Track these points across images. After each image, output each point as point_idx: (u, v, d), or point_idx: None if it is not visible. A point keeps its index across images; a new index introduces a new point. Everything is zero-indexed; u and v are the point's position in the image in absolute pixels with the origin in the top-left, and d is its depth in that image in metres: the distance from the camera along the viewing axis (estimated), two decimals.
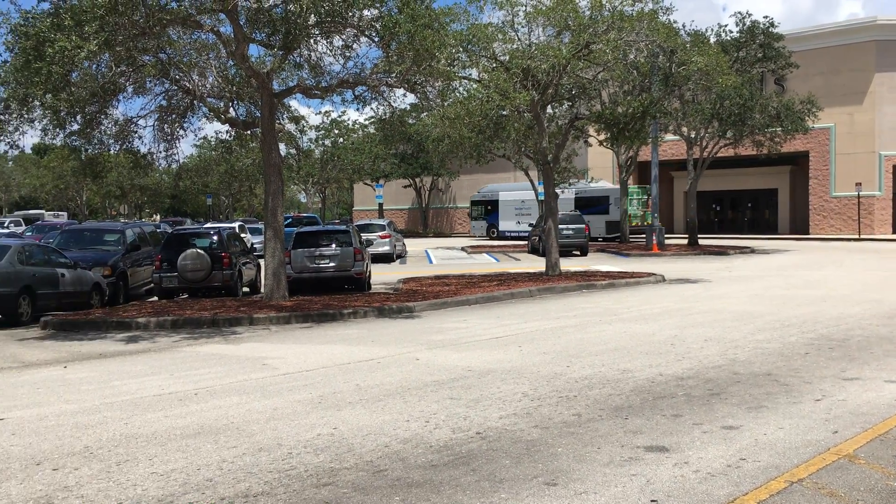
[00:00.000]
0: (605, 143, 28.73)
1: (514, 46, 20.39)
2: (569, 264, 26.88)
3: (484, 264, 30.51)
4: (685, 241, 39.07)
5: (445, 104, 17.75)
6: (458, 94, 18.75)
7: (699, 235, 39.36)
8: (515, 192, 46.24)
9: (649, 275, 21.94)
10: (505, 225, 48.35)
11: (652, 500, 5.03)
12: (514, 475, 5.54)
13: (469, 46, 18.60)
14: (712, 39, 32.30)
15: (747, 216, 53.67)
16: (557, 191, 49.78)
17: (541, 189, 38.39)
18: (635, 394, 7.97)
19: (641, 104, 20.61)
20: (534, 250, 35.34)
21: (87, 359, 11.37)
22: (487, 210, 48.55)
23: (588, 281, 20.48)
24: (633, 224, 44.70)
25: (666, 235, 37.55)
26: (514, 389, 8.27)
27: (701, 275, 23.10)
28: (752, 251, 33.89)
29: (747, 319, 13.32)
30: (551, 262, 22.05)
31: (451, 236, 60.38)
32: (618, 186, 43.96)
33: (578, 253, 34.17)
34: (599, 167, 51.71)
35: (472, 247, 41.35)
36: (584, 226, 34.61)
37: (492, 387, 8.43)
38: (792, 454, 5.95)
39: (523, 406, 7.55)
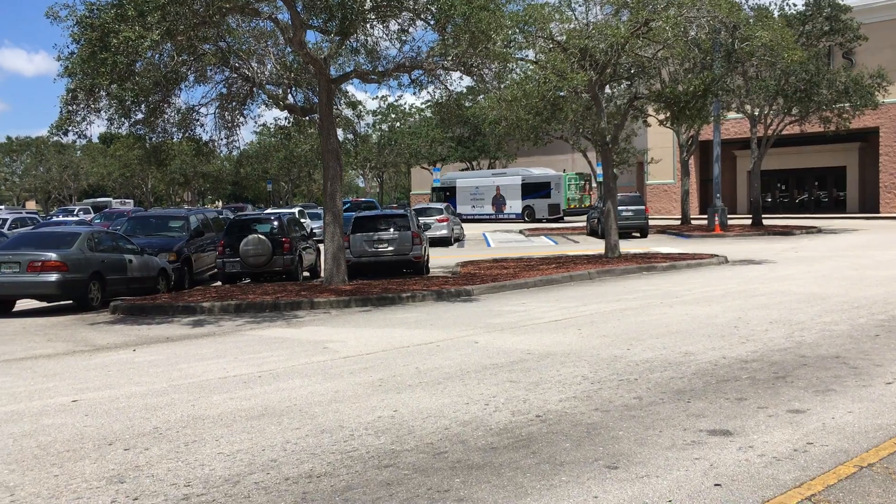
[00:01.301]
0: (664, 123, 28.24)
1: (572, 26, 20.12)
2: (628, 246, 26.56)
3: (542, 247, 30.35)
4: (749, 222, 38.23)
5: (502, 86, 17.66)
6: (514, 76, 18.64)
7: (763, 215, 38.48)
8: (471, 179, 49.65)
9: (711, 256, 21.54)
10: (461, 209, 50.79)
11: (716, 484, 4.96)
12: (574, 458, 5.52)
13: (525, 27, 18.41)
14: (776, 13, 31.36)
15: (814, 195, 52.21)
16: (507, 178, 50.60)
17: (599, 171, 37.98)
18: (697, 377, 7.85)
19: (703, 82, 20.17)
20: (593, 232, 35.02)
21: (154, 342, 11.68)
22: (447, 195, 50.86)
23: (648, 263, 20.22)
24: (572, 206, 49.31)
25: (728, 216, 36.81)
26: (574, 372, 8.23)
27: (765, 256, 22.58)
28: (819, 231, 32.98)
29: (814, 301, 12.98)
30: (610, 244, 21.81)
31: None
32: (560, 173, 49.83)
33: (638, 235, 33.72)
34: (659, 147, 50.86)
35: (529, 230, 41.17)
36: (644, 207, 34.13)
37: (551, 370, 8.40)
38: (861, 438, 5.79)
39: (583, 389, 7.50)
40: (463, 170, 62.62)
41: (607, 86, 21.91)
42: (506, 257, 23.97)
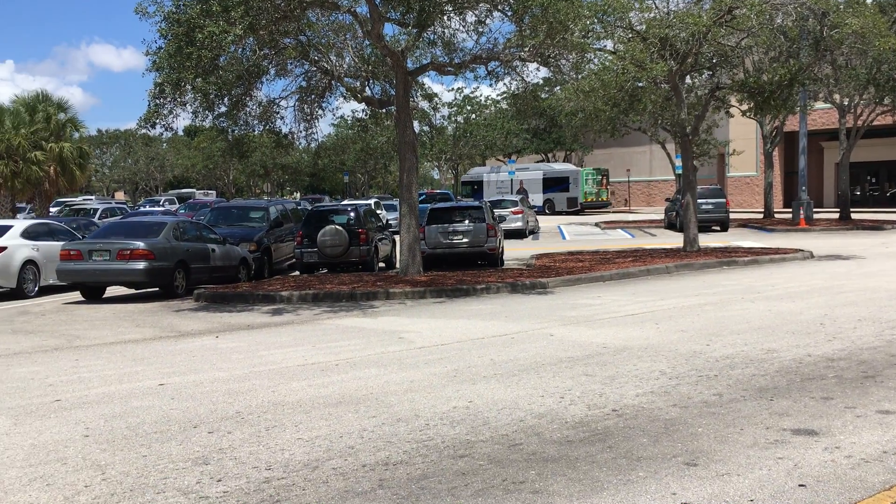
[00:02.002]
0: (748, 114, 27.42)
1: (651, 15, 19.75)
2: (708, 240, 25.97)
3: (618, 240, 29.95)
4: (836, 216, 36.90)
5: (579, 77, 17.47)
6: (592, 67, 18.41)
7: (851, 209, 37.09)
8: (494, 174, 53.13)
9: (796, 251, 20.89)
10: None
11: (800, 485, 4.82)
12: (652, 454, 5.44)
13: (604, 17, 18.14)
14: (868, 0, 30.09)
15: None
16: (529, 173, 52.36)
17: (678, 162, 37.24)
18: (781, 374, 7.63)
19: (789, 71, 19.53)
20: (670, 226, 34.35)
21: (236, 329, 12.00)
22: (474, 189, 53.84)
23: (729, 257, 19.74)
24: (589, 200, 51.37)
25: (814, 210, 35.62)
26: (651, 367, 8.10)
27: (853, 251, 21.77)
28: None
29: None
30: (689, 237, 21.38)
31: (584, 212, 59.53)
32: (578, 168, 52.66)
33: (718, 228, 32.94)
34: (742, 139, 49.49)
35: (605, 222, 40.68)
36: (724, 200, 33.31)
37: (628, 364, 8.29)
38: None
39: (661, 384, 7.38)
40: (538, 161, 62.31)
41: (688, 76, 21.42)
42: (581, 250, 23.75)
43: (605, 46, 19.71)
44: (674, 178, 46.74)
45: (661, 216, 39.34)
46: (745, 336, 9.68)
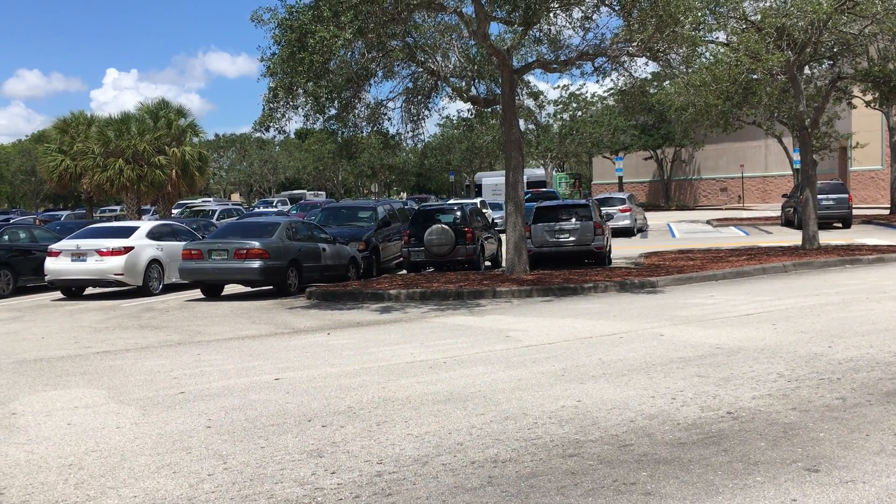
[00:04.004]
0: (872, 105, 26.08)
1: (767, 4, 19.00)
2: (829, 237, 24.80)
3: (731, 238, 29.00)
4: None
5: (690, 71, 17.01)
6: (703, 60, 17.89)
7: None
8: (493, 178, 57.01)
9: None
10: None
11: None
12: (769, 458, 5.26)
13: (716, 8, 17.60)
14: None
15: None
16: (498, 178, 55.79)
17: (796, 157, 35.73)
18: None
19: None
20: (787, 223, 32.98)
21: (346, 327, 12.29)
22: (476, 191, 58.42)
23: (852, 255, 18.79)
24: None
25: None
26: (768, 369, 7.82)
27: None
28: None
29: None
30: (808, 234, 20.48)
31: (695, 209, 57.91)
32: (553, 172, 58.92)
33: (840, 225, 31.37)
34: (865, 131, 46.97)
35: (718, 220, 39.44)
36: (846, 195, 31.70)
37: (743, 365, 8.03)
38: None
39: (779, 387, 7.12)
40: (646, 159, 61.03)
41: (806, 66, 20.52)
42: (692, 248, 23.11)
43: (717, 38, 19.11)
44: (791, 173, 44.85)
45: (778, 213, 37.83)
46: (870, 338, 9.21)
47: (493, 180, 58.56)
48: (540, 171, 59.40)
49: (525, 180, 56.93)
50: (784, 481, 4.85)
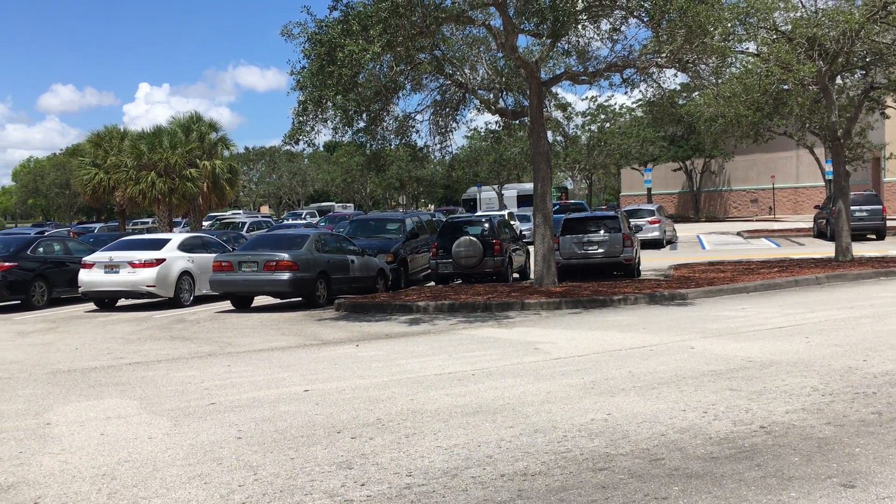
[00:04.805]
0: None
1: (798, 14, 18.85)
2: (863, 249, 24.42)
3: (762, 249, 28.68)
4: None
5: (719, 82, 16.89)
6: (733, 70, 17.75)
7: None
8: (486, 192, 62.75)
9: None
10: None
11: None
12: (804, 474, 5.18)
13: (746, 18, 17.47)
14: None
15: None
16: (507, 192, 59.50)
17: (828, 168, 35.34)
18: None
19: None
20: (820, 234, 32.56)
21: (375, 338, 12.32)
22: (471, 205, 63.34)
23: (887, 267, 18.50)
24: None
25: None
26: (802, 383, 7.71)
27: None
28: None
29: None
30: (841, 246, 20.20)
31: (725, 221, 57.38)
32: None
33: (874, 237, 30.90)
34: None
35: (748, 231, 39.03)
36: (880, 206, 31.22)
37: (776, 379, 7.93)
38: None
39: (813, 401, 7.02)
40: (675, 170, 60.62)
41: (838, 76, 20.29)
42: (722, 260, 22.90)
43: (747, 49, 18.96)
44: (823, 184, 44.31)
45: (810, 224, 37.36)
46: None
47: (486, 195, 64.30)
48: (529, 186, 62.55)
49: (516, 194, 60.59)
50: (819, 497, 4.78)
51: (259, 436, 6.59)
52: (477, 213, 35.39)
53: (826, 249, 24.08)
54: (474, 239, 19.15)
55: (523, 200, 61.37)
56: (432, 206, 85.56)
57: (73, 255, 19.63)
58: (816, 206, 36.90)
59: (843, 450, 5.63)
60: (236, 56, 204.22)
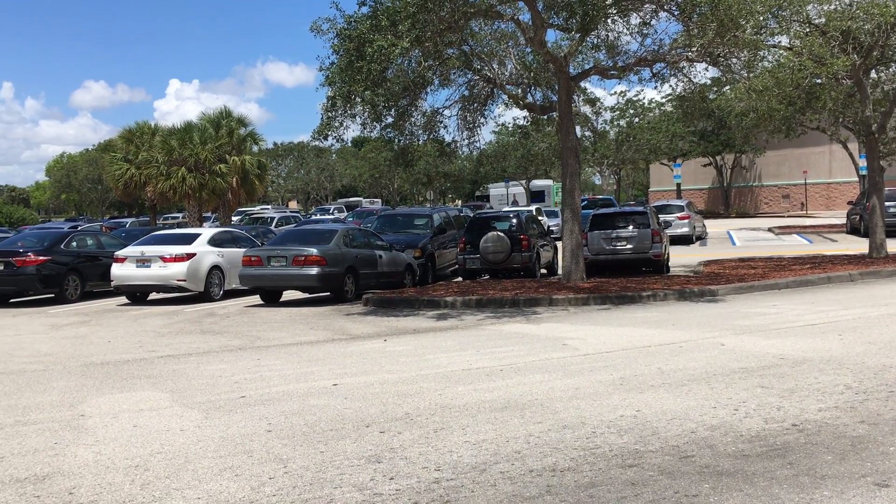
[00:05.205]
0: None
1: (832, 7, 18.55)
2: None
3: (794, 246, 28.33)
4: None
5: (751, 76, 16.69)
6: (765, 64, 17.53)
7: None
8: (498, 189, 65.19)
9: None
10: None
11: None
12: (837, 472, 5.11)
13: (779, 11, 17.25)
14: None
15: None
16: (517, 188, 61.96)
17: (862, 163, 34.82)
18: None
19: None
20: (853, 231, 32.10)
21: (402, 333, 12.36)
22: (485, 200, 66.41)
23: None
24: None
25: None
26: (835, 381, 7.61)
27: None
28: None
29: None
30: (875, 242, 19.89)
31: (755, 217, 56.76)
32: (550, 183, 63.87)
33: None
34: None
35: (780, 227, 38.58)
36: None
37: (808, 377, 7.84)
38: None
39: (846, 399, 6.93)
40: (705, 165, 60.04)
41: (873, 70, 19.96)
42: (753, 256, 22.65)
43: (779, 42, 18.71)
44: (857, 179, 43.68)
45: (843, 220, 36.86)
46: None
47: (498, 191, 66.57)
48: (540, 182, 65.05)
49: (522, 191, 62.64)
50: (853, 496, 4.72)
51: (289, 429, 6.64)
52: (505, 209, 35.42)
53: (860, 246, 23.73)
54: (502, 234, 19.12)
55: (533, 196, 63.78)
56: (459, 202, 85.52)
57: (105, 250, 19.90)
58: (850, 202, 36.37)
59: (877, 448, 5.56)
60: (265, 52, 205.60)
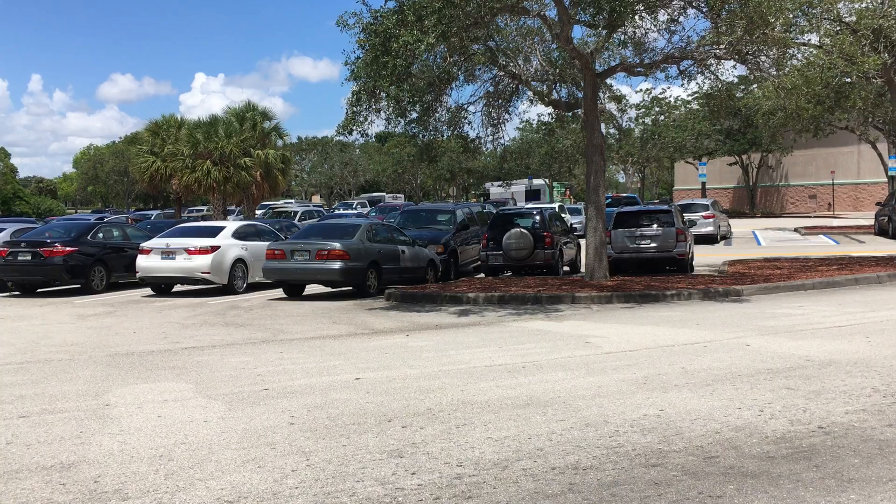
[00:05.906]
0: None
1: (863, 5, 18.33)
2: None
3: (820, 246, 28.01)
4: None
5: (780, 74, 16.50)
6: (794, 63, 17.33)
7: None
8: (497, 188, 67.14)
9: None
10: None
11: None
12: (864, 476, 5.05)
13: (808, 9, 17.04)
14: None
15: None
16: (516, 187, 62.85)
17: (892, 163, 34.39)
18: None
19: None
20: (881, 232, 31.69)
21: (425, 329, 12.36)
22: (485, 199, 66.46)
23: None
24: None
25: None
26: (862, 383, 7.52)
27: None
28: None
29: None
30: None
31: (781, 217, 56.20)
32: (544, 182, 67.62)
33: None
34: None
35: (806, 228, 38.16)
36: None
37: (834, 379, 7.74)
38: None
39: (873, 402, 6.83)
40: (731, 164, 59.53)
41: None
42: (778, 257, 22.41)
43: (809, 40, 18.50)
44: (885, 180, 43.12)
45: (871, 221, 36.41)
46: None
47: (498, 189, 68.26)
48: (538, 181, 67.08)
49: (525, 189, 65.02)
50: (880, 500, 4.65)
51: (311, 422, 6.66)
52: (528, 206, 35.31)
53: (888, 247, 23.43)
54: (525, 231, 19.07)
55: (531, 196, 65.28)
56: (483, 198, 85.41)
57: (130, 241, 20.08)
58: (878, 203, 35.91)
59: None
60: (289, 47, 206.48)
